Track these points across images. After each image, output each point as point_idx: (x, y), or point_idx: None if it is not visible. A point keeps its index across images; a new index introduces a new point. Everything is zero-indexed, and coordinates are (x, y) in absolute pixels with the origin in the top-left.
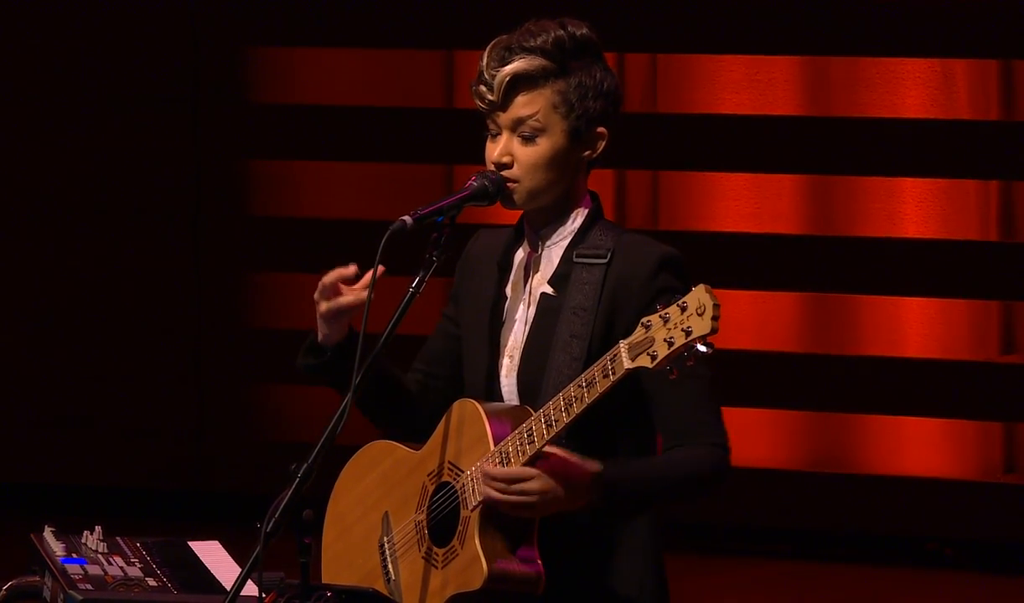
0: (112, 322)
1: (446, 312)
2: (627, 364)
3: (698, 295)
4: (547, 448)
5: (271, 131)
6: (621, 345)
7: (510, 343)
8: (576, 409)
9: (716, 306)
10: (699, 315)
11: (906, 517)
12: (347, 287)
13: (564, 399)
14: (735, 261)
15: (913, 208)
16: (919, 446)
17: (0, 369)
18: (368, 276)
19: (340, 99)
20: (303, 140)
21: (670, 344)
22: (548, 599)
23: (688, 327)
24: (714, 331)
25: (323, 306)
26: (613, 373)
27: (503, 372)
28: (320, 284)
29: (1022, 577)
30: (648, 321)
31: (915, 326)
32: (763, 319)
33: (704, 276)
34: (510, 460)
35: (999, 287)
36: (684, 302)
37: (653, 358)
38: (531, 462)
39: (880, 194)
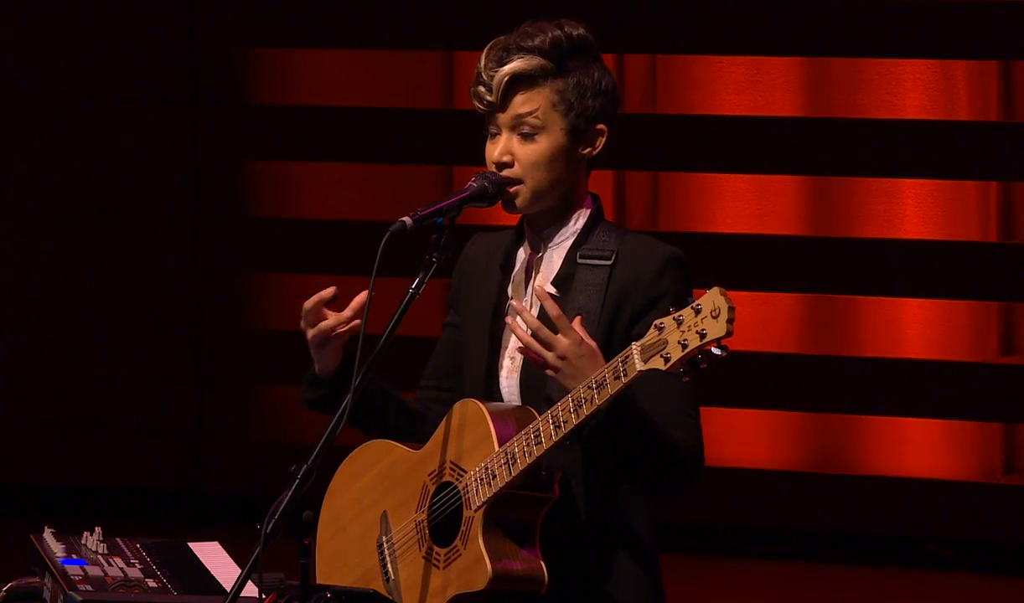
0: (112, 323)
1: (448, 321)
2: (640, 366)
3: (712, 297)
4: (584, 335)
5: (270, 132)
6: (633, 347)
7: (512, 344)
8: (586, 410)
9: (731, 309)
10: (714, 318)
11: (906, 518)
12: (331, 311)
13: (573, 401)
14: (735, 262)
15: (913, 209)
16: (919, 447)
17: (0, 369)
18: (360, 298)
19: (339, 100)
20: (302, 141)
21: (684, 346)
22: (548, 600)
23: (703, 330)
24: (729, 334)
25: (309, 332)
26: (625, 375)
27: (504, 373)
28: (303, 309)
29: (1022, 578)
30: (661, 323)
31: (915, 327)
32: (763, 320)
33: (704, 277)
34: (516, 461)
35: (999, 288)
36: (698, 304)
37: (667, 360)
38: (537, 463)
39: (880, 195)
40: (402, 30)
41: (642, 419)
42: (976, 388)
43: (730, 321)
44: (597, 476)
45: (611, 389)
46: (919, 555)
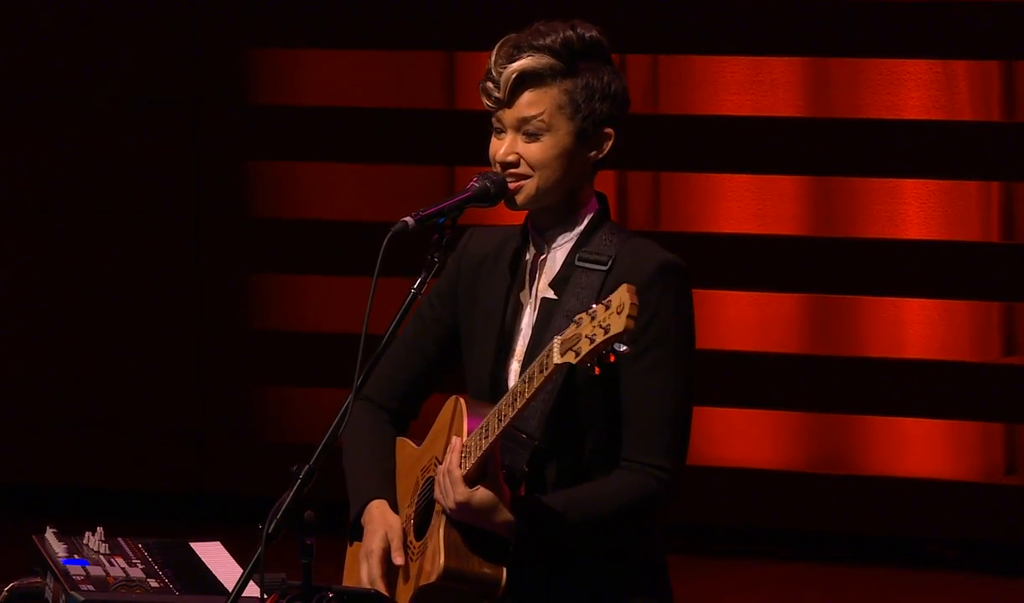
0: (113, 323)
1: (426, 314)
2: (557, 359)
3: (620, 294)
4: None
5: (272, 132)
6: (555, 340)
7: (518, 348)
8: (519, 403)
9: (633, 305)
10: (618, 313)
11: (907, 518)
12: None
13: (511, 394)
14: (736, 262)
15: (914, 209)
16: (920, 447)
17: (0, 369)
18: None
19: (341, 100)
20: (304, 141)
21: (592, 341)
22: (552, 601)
23: (607, 325)
24: (627, 329)
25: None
26: (546, 368)
27: (512, 378)
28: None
29: (1022, 578)
30: (579, 318)
31: (916, 327)
32: (764, 320)
33: (705, 277)
34: (471, 454)
35: (1000, 288)
36: (609, 301)
37: (577, 354)
38: (482, 464)
39: (881, 195)
40: (402, 30)
41: (581, 526)
42: (977, 388)
43: (631, 317)
44: (598, 477)
45: (536, 382)
46: (919, 555)
